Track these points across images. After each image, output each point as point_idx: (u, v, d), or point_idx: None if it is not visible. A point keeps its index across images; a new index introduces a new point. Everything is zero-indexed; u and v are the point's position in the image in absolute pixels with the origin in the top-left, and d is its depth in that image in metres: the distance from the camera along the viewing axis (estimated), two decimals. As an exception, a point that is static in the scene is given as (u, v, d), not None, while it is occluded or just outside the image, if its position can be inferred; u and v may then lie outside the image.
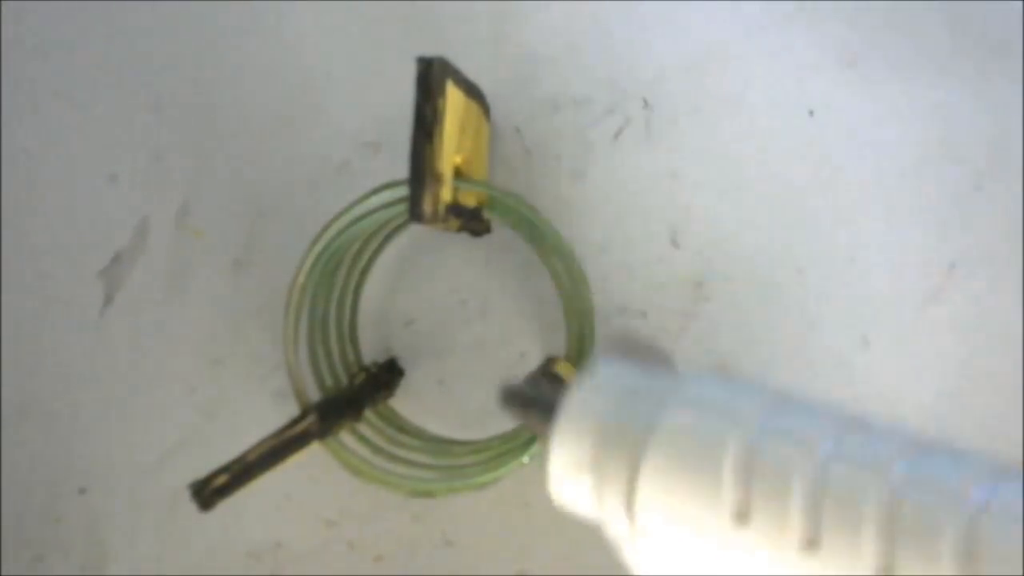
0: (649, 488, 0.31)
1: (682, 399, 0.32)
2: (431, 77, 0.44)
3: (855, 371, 0.53)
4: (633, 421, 0.32)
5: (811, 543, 0.26)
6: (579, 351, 0.50)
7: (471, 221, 0.51)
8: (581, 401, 0.34)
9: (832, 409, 0.32)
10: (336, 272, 0.52)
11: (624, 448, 0.32)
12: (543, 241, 0.50)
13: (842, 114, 0.53)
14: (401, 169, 0.45)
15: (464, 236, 0.55)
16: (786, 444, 0.29)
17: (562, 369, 0.48)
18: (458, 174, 0.47)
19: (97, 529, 0.59)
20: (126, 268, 0.59)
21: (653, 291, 0.54)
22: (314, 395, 0.52)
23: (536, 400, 0.38)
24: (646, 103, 0.54)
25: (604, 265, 0.54)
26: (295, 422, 0.48)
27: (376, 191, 0.49)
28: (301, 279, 0.50)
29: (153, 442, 0.59)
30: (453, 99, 0.45)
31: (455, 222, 0.49)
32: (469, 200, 0.49)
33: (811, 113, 0.53)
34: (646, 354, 0.37)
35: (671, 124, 0.54)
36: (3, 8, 0.59)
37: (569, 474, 0.33)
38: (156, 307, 0.59)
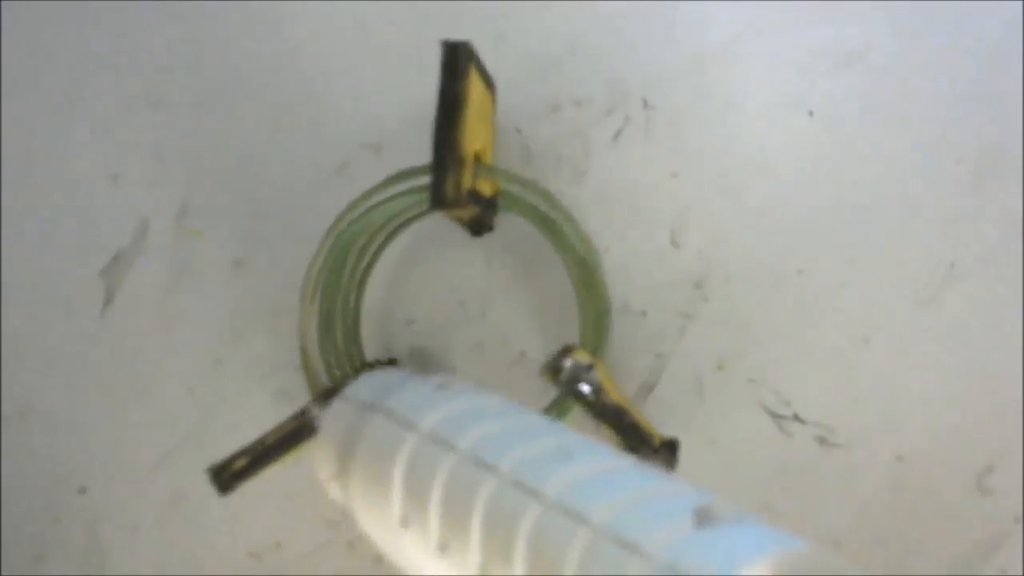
0: (354, 500, 0.37)
1: (383, 411, 0.38)
2: (458, 60, 0.43)
3: (855, 371, 0.53)
4: (356, 432, 0.37)
5: (443, 547, 0.31)
6: (595, 336, 0.50)
7: (487, 211, 0.50)
8: (330, 414, 0.41)
9: (502, 415, 0.36)
10: (342, 268, 0.52)
11: (343, 460, 0.38)
12: (558, 226, 0.49)
13: (842, 114, 0.53)
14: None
15: (464, 236, 0.55)
16: (440, 456, 0.33)
17: (580, 356, 0.47)
18: (476, 161, 0.47)
19: (97, 529, 0.59)
20: (126, 268, 0.59)
21: (653, 291, 0.54)
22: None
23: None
24: (646, 103, 0.54)
25: (604, 265, 0.54)
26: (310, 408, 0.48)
27: (394, 179, 0.49)
28: (319, 263, 0.50)
29: (153, 442, 0.59)
30: (475, 85, 0.45)
31: (472, 209, 0.49)
32: (485, 189, 0.49)
33: (811, 113, 0.53)
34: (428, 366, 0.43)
35: (671, 124, 0.54)
36: (3, 8, 0.59)
37: (325, 480, 0.40)
38: (156, 307, 0.59)
